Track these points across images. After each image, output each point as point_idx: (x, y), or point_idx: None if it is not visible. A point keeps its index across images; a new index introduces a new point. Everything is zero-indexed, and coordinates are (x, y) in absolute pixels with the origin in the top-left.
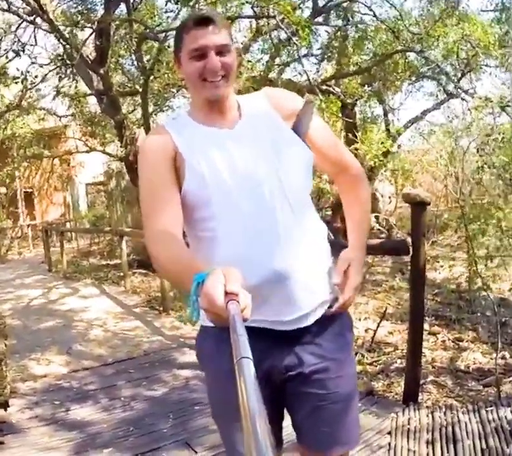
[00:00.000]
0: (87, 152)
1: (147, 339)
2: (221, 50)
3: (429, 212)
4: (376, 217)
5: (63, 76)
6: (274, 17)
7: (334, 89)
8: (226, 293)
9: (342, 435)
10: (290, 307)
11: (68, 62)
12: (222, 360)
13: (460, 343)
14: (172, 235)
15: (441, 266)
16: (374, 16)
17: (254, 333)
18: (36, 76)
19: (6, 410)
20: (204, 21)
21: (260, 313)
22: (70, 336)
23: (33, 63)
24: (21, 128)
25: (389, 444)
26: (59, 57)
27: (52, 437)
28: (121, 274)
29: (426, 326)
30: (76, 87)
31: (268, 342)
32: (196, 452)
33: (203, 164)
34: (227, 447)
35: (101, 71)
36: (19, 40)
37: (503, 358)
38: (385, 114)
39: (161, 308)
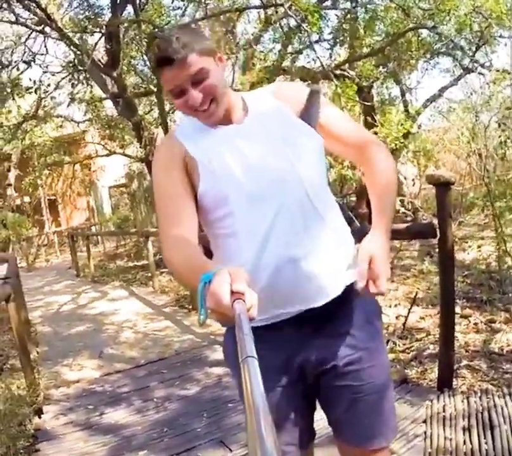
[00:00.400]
0: (107, 155)
1: (178, 338)
2: (197, 79)
3: (454, 192)
4: (401, 200)
5: (76, 82)
6: (282, 5)
7: (349, 73)
8: (232, 292)
9: (381, 427)
10: (316, 294)
11: (80, 68)
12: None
13: (493, 325)
14: (187, 241)
15: (470, 247)
16: None
17: (282, 327)
18: (49, 85)
19: (40, 417)
20: (166, 60)
21: (285, 303)
22: (101, 340)
23: (45, 71)
24: (40, 137)
25: (425, 432)
26: (71, 64)
27: (87, 442)
28: (149, 275)
29: (457, 309)
30: (91, 91)
31: (299, 336)
32: (231, 450)
33: (214, 163)
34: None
35: (114, 74)
36: (30, 50)
37: None
38: (403, 95)
39: (190, 306)
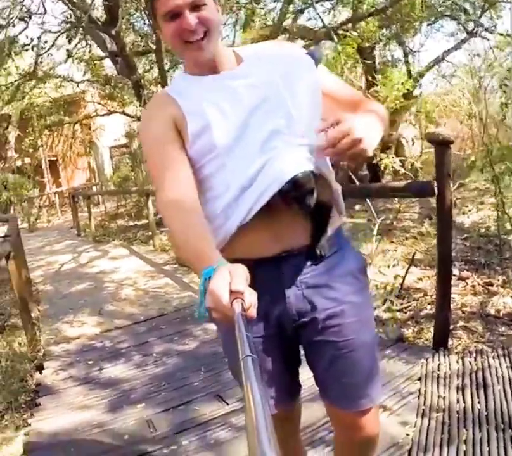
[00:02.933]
0: (107, 114)
1: (178, 295)
2: (196, 5)
3: (455, 156)
4: (401, 161)
5: (73, 39)
6: None
7: (351, 34)
8: (231, 292)
9: (366, 387)
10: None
11: (76, 25)
12: None
13: (490, 288)
14: (187, 200)
15: (470, 211)
16: None
17: (262, 275)
18: (46, 42)
19: (41, 372)
20: None
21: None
22: (102, 297)
23: (43, 31)
24: (39, 97)
25: (419, 390)
26: (68, 22)
27: (87, 396)
28: (150, 234)
29: (455, 271)
30: (90, 51)
31: (276, 285)
32: (227, 404)
33: (204, 106)
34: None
35: (113, 32)
36: (28, 10)
37: None
38: (405, 57)
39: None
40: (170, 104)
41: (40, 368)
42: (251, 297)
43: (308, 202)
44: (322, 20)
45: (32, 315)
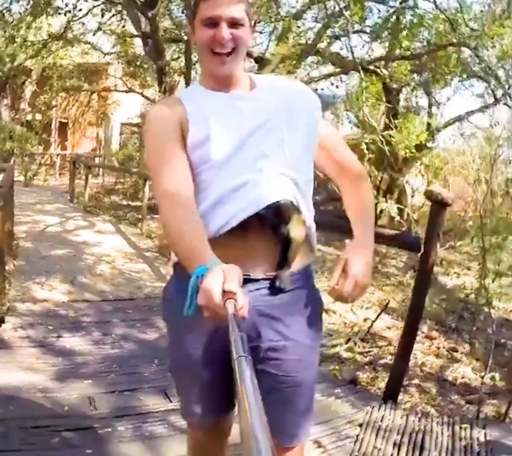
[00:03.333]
0: (126, 92)
1: (151, 284)
2: (234, 23)
3: (454, 216)
4: (399, 209)
5: (106, 13)
6: None
7: (381, 71)
8: (224, 292)
9: (295, 425)
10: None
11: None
12: (181, 311)
13: (454, 353)
14: (183, 196)
15: (455, 273)
16: (434, 3)
17: None
18: (80, 10)
19: (0, 325)
20: None
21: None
22: (78, 267)
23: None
24: (63, 58)
25: (357, 436)
26: None
27: (39, 359)
28: (140, 217)
29: (424, 329)
30: (123, 26)
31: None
32: (171, 401)
33: (208, 119)
34: (182, 403)
35: (150, 14)
36: None
37: (492, 378)
38: (429, 107)
39: (170, 256)
40: (179, 108)
41: (0, 321)
42: (243, 299)
43: (283, 230)
44: (351, 51)
45: (6, 268)
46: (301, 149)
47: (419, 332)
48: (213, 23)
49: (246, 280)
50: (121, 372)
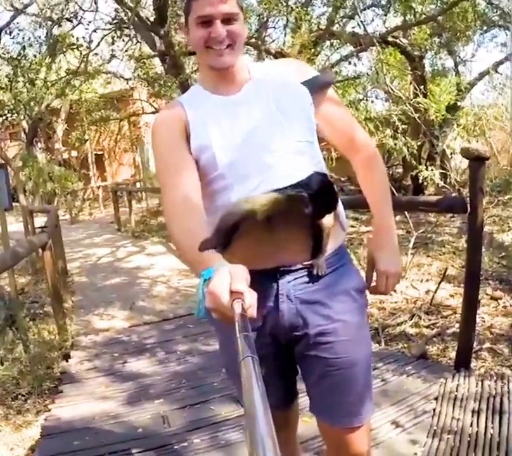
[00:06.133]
0: (153, 113)
1: None
2: (228, 18)
3: (504, 171)
4: (443, 174)
5: (117, 39)
6: None
7: (401, 41)
8: (232, 292)
9: (353, 405)
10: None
11: (124, 24)
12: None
13: None
14: (190, 204)
15: (510, 229)
16: None
17: (258, 287)
18: (91, 41)
19: (67, 361)
20: None
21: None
22: (134, 292)
23: (94, 30)
24: (87, 92)
25: (434, 410)
26: (114, 20)
27: (108, 387)
28: None
29: (488, 290)
30: (140, 49)
31: (271, 299)
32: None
33: (208, 123)
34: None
35: (162, 31)
36: (80, 7)
37: None
38: (456, 66)
39: None
40: (181, 114)
41: (66, 357)
42: (251, 298)
43: (320, 204)
44: (364, 27)
45: (65, 305)
46: (304, 135)
47: (483, 294)
48: (207, 21)
49: (283, 272)
50: (190, 386)
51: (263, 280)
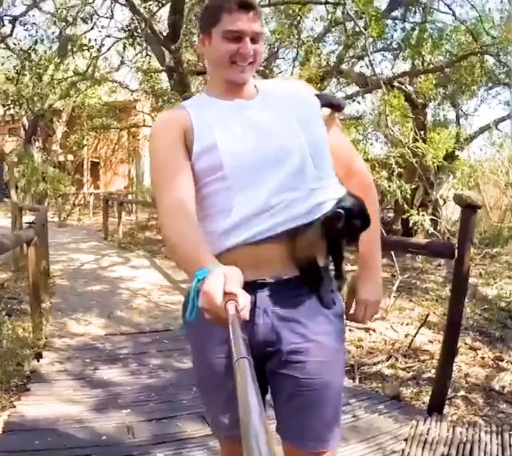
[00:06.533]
0: None
1: None
2: (255, 38)
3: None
4: (433, 221)
5: (127, 47)
6: (344, 4)
7: (406, 87)
8: (225, 293)
9: (321, 430)
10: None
11: (136, 33)
12: (200, 323)
13: (500, 363)
14: (184, 209)
15: (495, 283)
16: (454, 15)
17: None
18: (102, 45)
19: (38, 360)
20: (248, 5)
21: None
22: (114, 302)
23: (104, 34)
24: (91, 97)
25: (403, 450)
26: (127, 29)
27: (76, 391)
28: None
29: (468, 340)
30: (149, 62)
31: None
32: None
33: (214, 129)
34: (210, 418)
35: (173, 47)
36: (96, 12)
37: None
38: (457, 119)
39: None
40: (183, 117)
41: (38, 356)
42: (244, 300)
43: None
44: (373, 68)
45: (43, 305)
46: (326, 157)
47: (462, 343)
48: (236, 37)
49: (262, 285)
50: (159, 400)
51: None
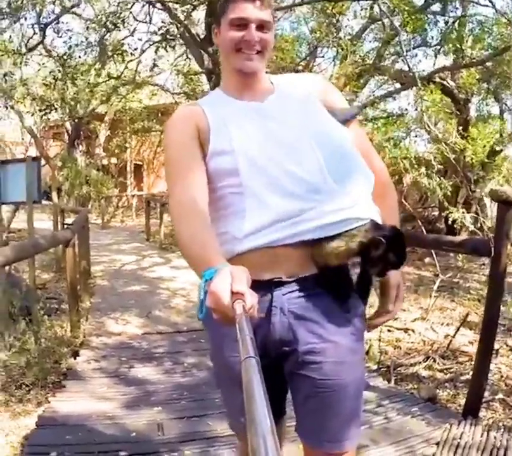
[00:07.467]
0: None
1: None
2: (262, 26)
3: None
4: (475, 219)
5: (165, 50)
6: (378, 0)
7: (448, 83)
8: (233, 293)
9: (335, 430)
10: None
11: (171, 36)
12: (220, 327)
13: None
14: (197, 208)
15: None
16: (494, 7)
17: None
18: (135, 49)
19: (75, 358)
20: None
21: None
22: (152, 302)
23: (144, 40)
24: (132, 101)
25: (434, 454)
26: (161, 31)
27: (110, 388)
28: None
29: (510, 341)
30: (189, 65)
31: (263, 310)
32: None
33: (231, 127)
34: (228, 414)
35: (210, 49)
36: (135, 18)
37: None
38: (501, 114)
39: None
40: (199, 115)
41: (75, 354)
42: (252, 299)
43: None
44: (408, 65)
45: (83, 305)
46: (341, 160)
47: (503, 344)
48: (242, 24)
49: (279, 283)
50: (191, 399)
51: (257, 290)
